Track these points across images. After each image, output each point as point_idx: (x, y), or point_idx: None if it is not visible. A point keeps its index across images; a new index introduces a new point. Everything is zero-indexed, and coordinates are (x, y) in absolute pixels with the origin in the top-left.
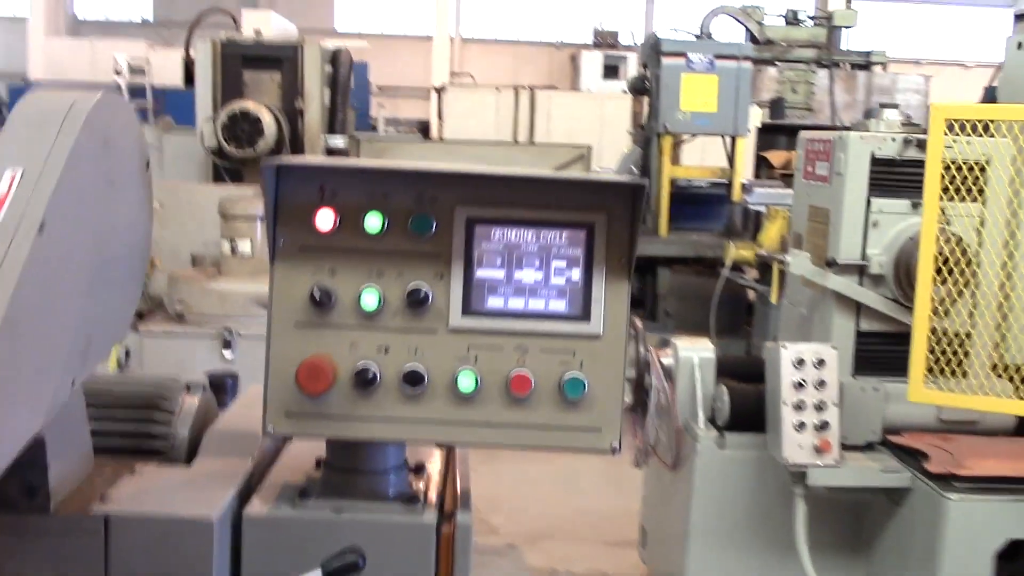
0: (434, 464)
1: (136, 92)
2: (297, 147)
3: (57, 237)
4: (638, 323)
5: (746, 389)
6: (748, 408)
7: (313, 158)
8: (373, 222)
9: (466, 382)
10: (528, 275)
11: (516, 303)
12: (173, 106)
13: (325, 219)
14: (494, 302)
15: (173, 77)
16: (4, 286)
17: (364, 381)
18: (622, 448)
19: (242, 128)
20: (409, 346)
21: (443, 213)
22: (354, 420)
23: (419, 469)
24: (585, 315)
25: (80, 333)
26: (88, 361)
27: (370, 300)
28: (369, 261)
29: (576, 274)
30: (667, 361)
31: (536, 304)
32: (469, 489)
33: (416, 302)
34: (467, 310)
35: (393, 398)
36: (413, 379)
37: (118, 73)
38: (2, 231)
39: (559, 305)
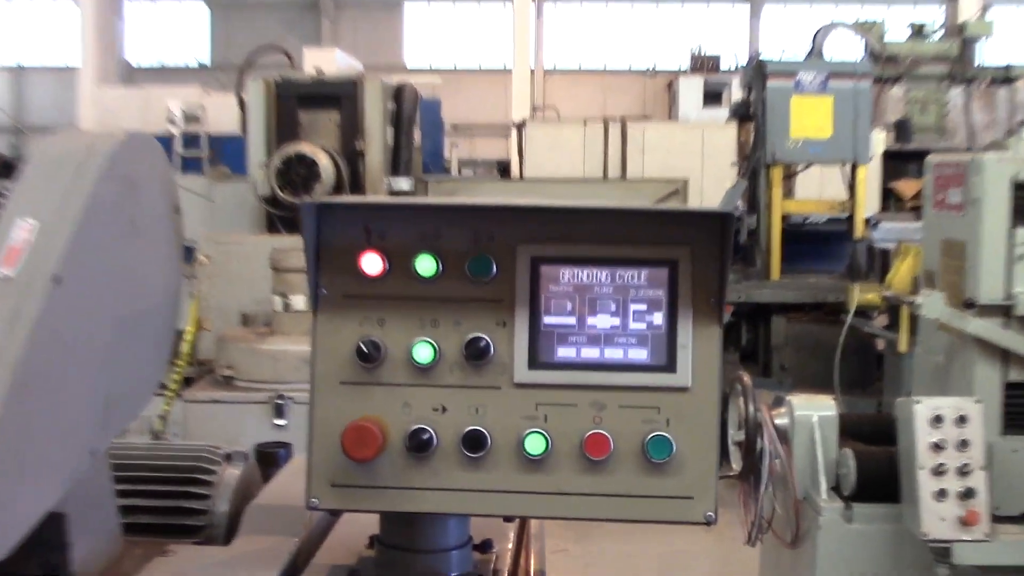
0: (505, 540)
1: (191, 141)
2: (358, 191)
3: (75, 290)
4: (746, 378)
5: (875, 452)
6: (878, 474)
7: (357, 197)
8: (426, 265)
9: (535, 445)
10: (603, 320)
11: (590, 353)
12: (230, 154)
13: (372, 264)
14: (565, 352)
15: (230, 123)
16: (15, 344)
17: (419, 445)
18: (733, 522)
19: (297, 173)
20: (469, 404)
21: (504, 253)
22: (408, 491)
23: (486, 546)
24: (670, 365)
25: (99, 396)
26: (109, 428)
27: (424, 353)
28: (422, 309)
29: (659, 318)
30: (781, 421)
31: (613, 353)
32: (544, 569)
33: (476, 354)
34: (534, 362)
35: (452, 464)
36: (474, 442)
37: (171, 122)
38: (15, 285)
39: (640, 354)
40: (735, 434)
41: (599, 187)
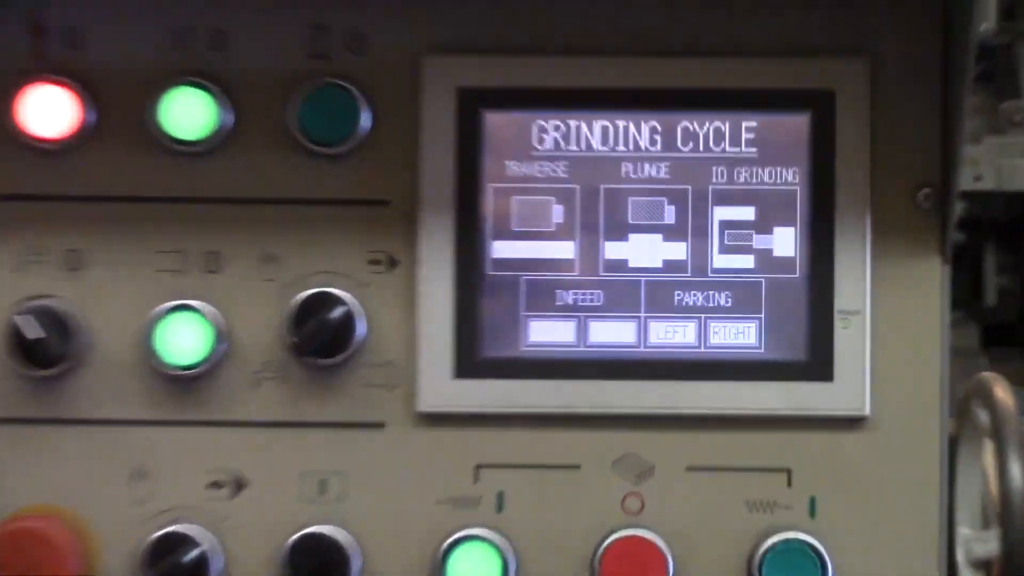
0: None
1: None
2: None
3: None
4: (1000, 391)
5: None
6: None
7: None
8: (187, 115)
9: (472, 572)
10: (644, 249)
11: (612, 332)
12: None
13: (51, 112)
14: (547, 331)
15: None
16: None
17: (171, 573)
18: None
19: None
20: (303, 472)
21: (386, 78)
22: None
23: None
24: (817, 361)
25: None
26: None
27: (185, 340)
28: (178, 230)
29: (786, 243)
30: None
31: (672, 333)
32: None
33: (318, 341)
34: (469, 358)
35: None
36: (315, 568)
37: None
38: None
39: (741, 333)
40: (973, 539)
41: None
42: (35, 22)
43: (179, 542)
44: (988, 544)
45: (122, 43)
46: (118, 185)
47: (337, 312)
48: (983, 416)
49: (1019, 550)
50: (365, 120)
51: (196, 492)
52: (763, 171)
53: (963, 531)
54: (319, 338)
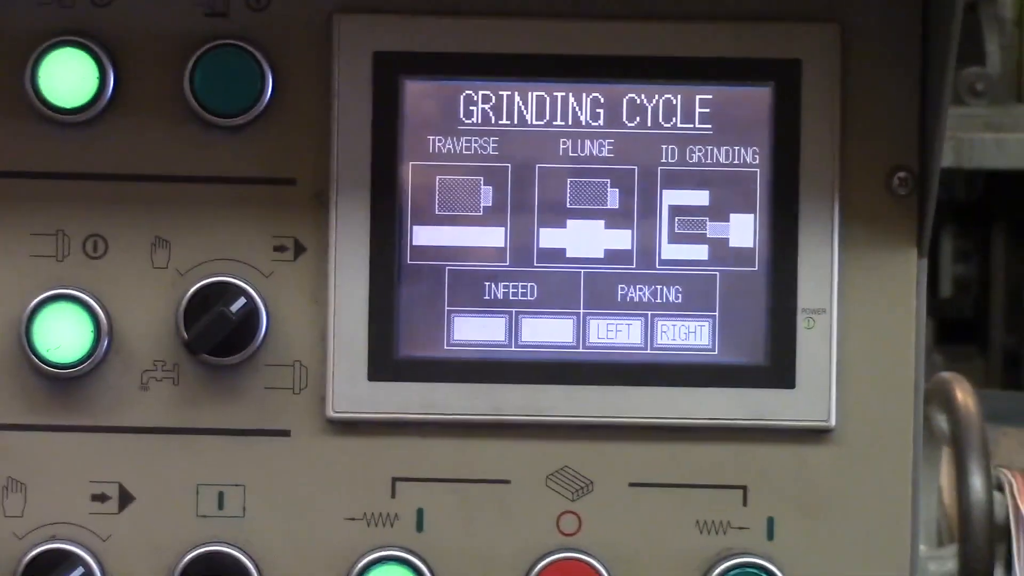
0: None
1: None
2: None
3: None
4: (960, 394)
5: None
6: None
7: None
8: (66, 79)
9: None
10: (585, 238)
11: (550, 331)
12: None
13: None
14: (475, 328)
15: None
16: None
17: None
18: None
19: None
20: (199, 483)
21: (292, 39)
22: None
23: None
24: (779, 365)
25: None
26: None
27: (64, 337)
28: (54, 209)
29: (743, 232)
30: None
31: (615, 332)
32: None
33: (214, 338)
34: (384, 357)
35: None
36: None
37: None
38: None
39: (693, 333)
40: (928, 557)
41: None
42: None
43: (58, 561)
44: (945, 563)
45: None
46: None
47: (236, 305)
48: (941, 422)
49: (979, 569)
50: (268, 87)
51: (78, 506)
52: (719, 150)
53: (924, 548)
54: (216, 334)
